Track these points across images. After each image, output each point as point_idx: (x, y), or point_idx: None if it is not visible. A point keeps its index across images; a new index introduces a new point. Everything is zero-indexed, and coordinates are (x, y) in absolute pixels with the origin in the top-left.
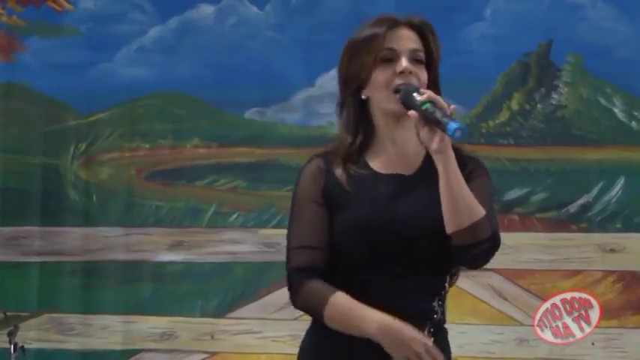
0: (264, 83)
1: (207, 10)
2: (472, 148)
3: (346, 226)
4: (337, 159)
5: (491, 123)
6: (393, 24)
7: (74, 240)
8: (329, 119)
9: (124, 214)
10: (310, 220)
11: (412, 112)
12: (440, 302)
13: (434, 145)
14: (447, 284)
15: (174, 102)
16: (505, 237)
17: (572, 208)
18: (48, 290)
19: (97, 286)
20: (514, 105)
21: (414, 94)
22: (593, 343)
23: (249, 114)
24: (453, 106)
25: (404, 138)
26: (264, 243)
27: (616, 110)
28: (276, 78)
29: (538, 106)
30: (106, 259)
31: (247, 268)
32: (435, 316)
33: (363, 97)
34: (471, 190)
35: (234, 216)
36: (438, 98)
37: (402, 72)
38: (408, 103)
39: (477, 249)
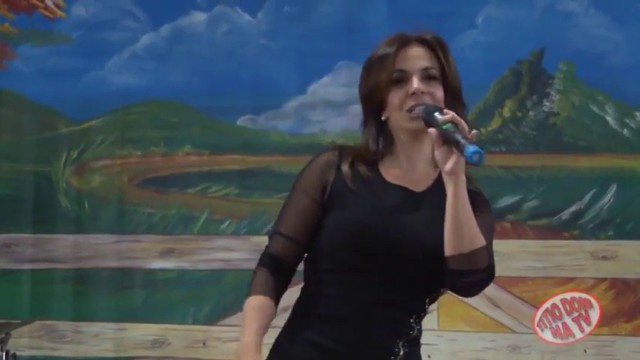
0: (256, 90)
1: (199, 17)
2: None
3: (341, 223)
4: (350, 155)
5: (483, 130)
6: (404, 43)
7: (66, 247)
8: (321, 126)
9: (115, 222)
10: (299, 212)
11: (432, 130)
12: (417, 320)
13: (448, 166)
14: (426, 306)
15: (166, 109)
16: (497, 244)
17: (564, 215)
18: (40, 297)
19: (89, 294)
20: (506, 112)
21: (436, 114)
22: (585, 351)
23: (241, 121)
24: (474, 131)
25: (419, 156)
26: (256, 250)
27: (608, 118)
28: (268, 85)
29: (530, 113)
30: (98, 267)
31: (239, 276)
32: (411, 332)
33: (382, 118)
34: None
35: (226, 223)
36: (461, 121)
37: (413, 93)
38: (428, 121)
39: (472, 277)
